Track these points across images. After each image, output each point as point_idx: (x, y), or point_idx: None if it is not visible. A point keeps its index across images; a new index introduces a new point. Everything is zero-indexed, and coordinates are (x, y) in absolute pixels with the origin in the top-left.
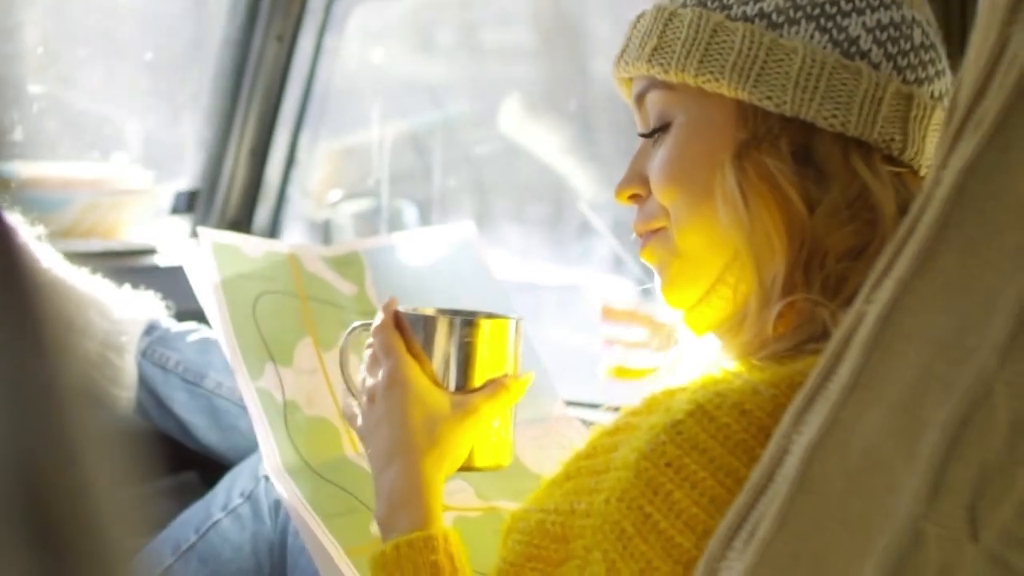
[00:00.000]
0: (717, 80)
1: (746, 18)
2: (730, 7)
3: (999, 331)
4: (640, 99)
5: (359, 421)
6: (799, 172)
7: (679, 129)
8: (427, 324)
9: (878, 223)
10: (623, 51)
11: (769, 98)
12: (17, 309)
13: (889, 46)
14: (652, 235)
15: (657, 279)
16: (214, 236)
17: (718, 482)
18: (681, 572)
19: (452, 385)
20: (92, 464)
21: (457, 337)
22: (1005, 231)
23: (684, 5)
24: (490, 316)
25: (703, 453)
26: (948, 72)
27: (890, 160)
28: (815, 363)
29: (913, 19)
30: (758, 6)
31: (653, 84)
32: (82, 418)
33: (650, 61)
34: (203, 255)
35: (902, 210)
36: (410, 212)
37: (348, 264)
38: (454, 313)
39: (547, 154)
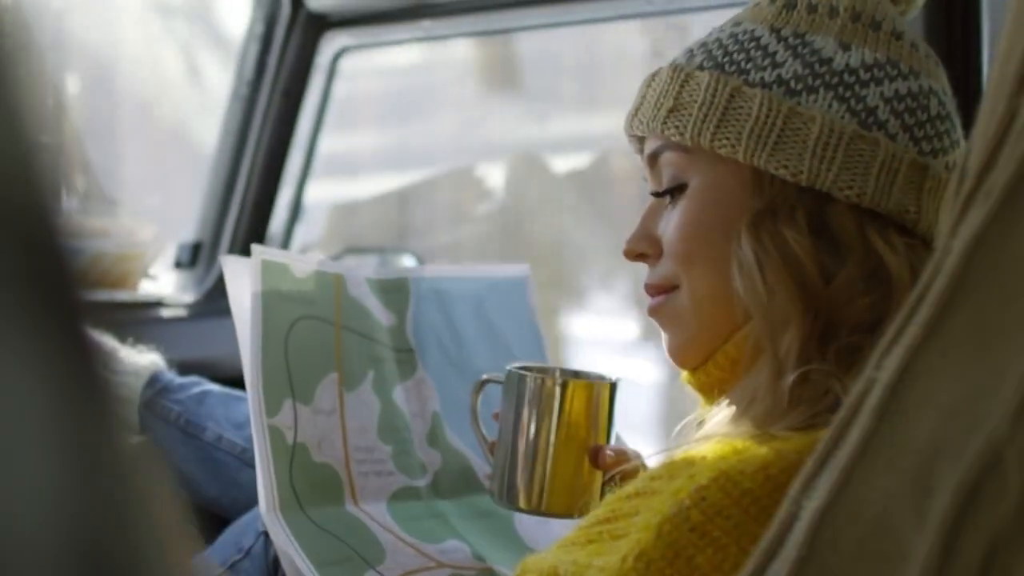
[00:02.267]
0: (733, 147)
1: (764, 84)
2: (748, 72)
3: (1010, 398)
4: (654, 158)
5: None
6: (815, 244)
7: (694, 194)
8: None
9: (893, 296)
10: (637, 109)
11: (785, 167)
12: (80, 368)
13: (906, 117)
14: (663, 297)
15: (665, 338)
16: (264, 253)
17: (741, 549)
18: None
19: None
20: (147, 533)
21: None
22: (1016, 299)
23: (701, 68)
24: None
25: (727, 520)
26: (962, 142)
27: (903, 231)
28: None
29: (930, 89)
30: (776, 72)
31: (668, 146)
32: (138, 485)
33: (665, 123)
34: (251, 272)
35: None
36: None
37: (394, 291)
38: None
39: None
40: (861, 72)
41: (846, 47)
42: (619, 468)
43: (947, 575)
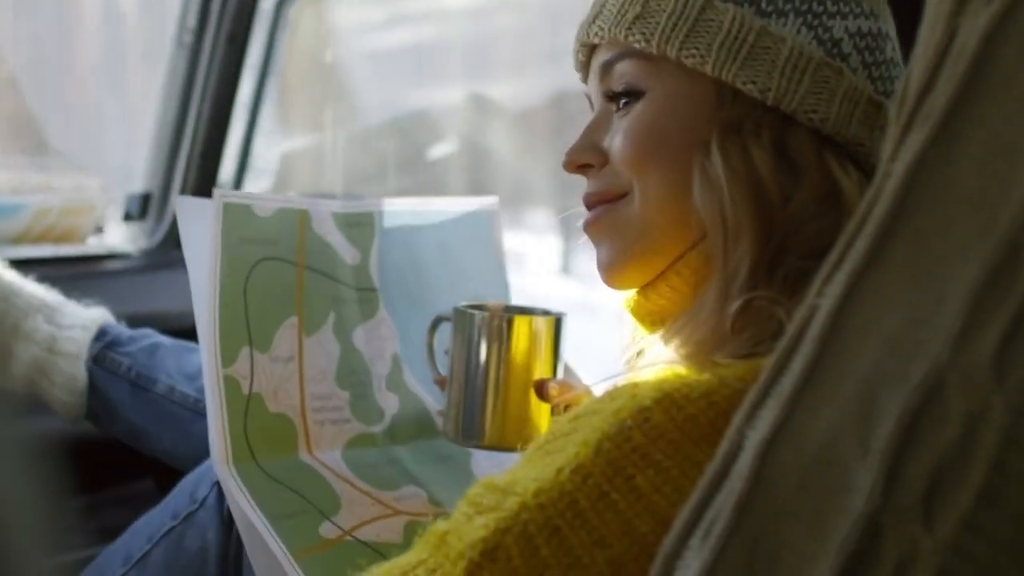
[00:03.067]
0: (702, 58)
1: (735, 1)
2: None
3: (951, 323)
4: (608, 66)
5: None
6: (776, 164)
7: (654, 101)
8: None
9: (843, 223)
10: (596, 15)
11: (754, 83)
12: None
13: (866, 55)
14: (607, 206)
15: (601, 257)
16: (227, 196)
17: (682, 472)
18: (636, 553)
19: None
20: (3, 477)
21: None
22: (955, 224)
23: None
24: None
25: (670, 443)
26: None
27: (855, 164)
28: None
29: (887, 33)
30: None
31: (628, 53)
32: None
33: (631, 29)
34: (212, 217)
35: None
36: None
37: (359, 225)
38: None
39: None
40: (828, 3)
41: None
42: (564, 399)
43: (891, 504)
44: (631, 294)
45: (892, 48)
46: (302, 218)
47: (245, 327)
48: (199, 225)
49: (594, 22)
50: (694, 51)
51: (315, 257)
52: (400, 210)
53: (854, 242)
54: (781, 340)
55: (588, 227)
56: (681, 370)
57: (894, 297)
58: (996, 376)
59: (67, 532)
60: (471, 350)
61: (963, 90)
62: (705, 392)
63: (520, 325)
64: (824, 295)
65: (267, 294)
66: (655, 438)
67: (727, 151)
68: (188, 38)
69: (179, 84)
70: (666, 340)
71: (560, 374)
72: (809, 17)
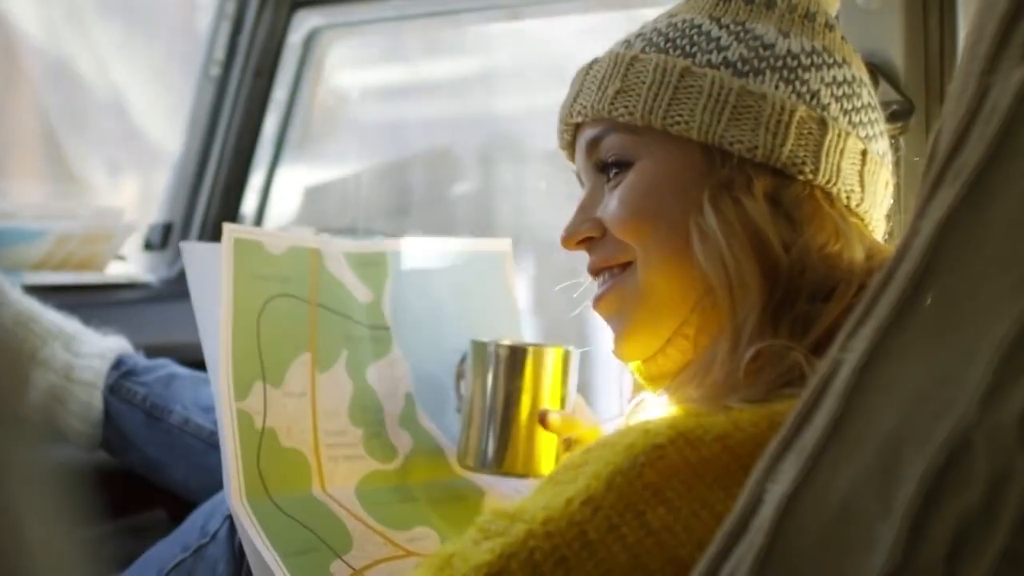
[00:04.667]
0: (687, 124)
1: (712, 65)
2: (694, 55)
3: (978, 383)
4: (595, 143)
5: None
6: (773, 213)
7: (644, 169)
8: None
9: (844, 267)
10: (575, 97)
11: (740, 142)
12: None
13: (844, 102)
14: (614, 277)
15: (612, 331)
16: (237, 231)
17: (694, 513)
18: None
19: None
20: (23, 505)
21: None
22: (984, 283)
23: (644, 51)
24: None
25: (683, 483)
26: (886, 136)
27: (849, 210)
28: (792, 407)
29: (861, 79)
30: (722, 55)
31: (614, 128)
32: (11, 457)
33: (613, 104)
34: (224, 252)
35: (867, 256)
36: None
37: (371, 265)
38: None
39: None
40: (803, 57)
41: (785, 34)
42: (566, 431)
43: (913, 564)
44: (640, 362)
45: (868, 94)
46: (314, 256)
47: (258, 361)
48: (206, 270)
49: (575, 101)
50: (678, 118)
51: (328, 295)
52: (413, 250)
53: (879, 298)
54: (801, 390)
55: (596, 305)
56: (694, 410)
57: (920, 354)
58: (1022, 437)
59: (81, 560)
60: (483, 379)
61: (995, 149)
62: (720, 435)
63: (529, 356)
64: (849, 350)
65: (280, 330)
66: (668, 476)
67: (719, 206)
68: (215, 70)
69: (204, 116)
70: (677, 388)
71: (570, 406)
72: (785, 72)
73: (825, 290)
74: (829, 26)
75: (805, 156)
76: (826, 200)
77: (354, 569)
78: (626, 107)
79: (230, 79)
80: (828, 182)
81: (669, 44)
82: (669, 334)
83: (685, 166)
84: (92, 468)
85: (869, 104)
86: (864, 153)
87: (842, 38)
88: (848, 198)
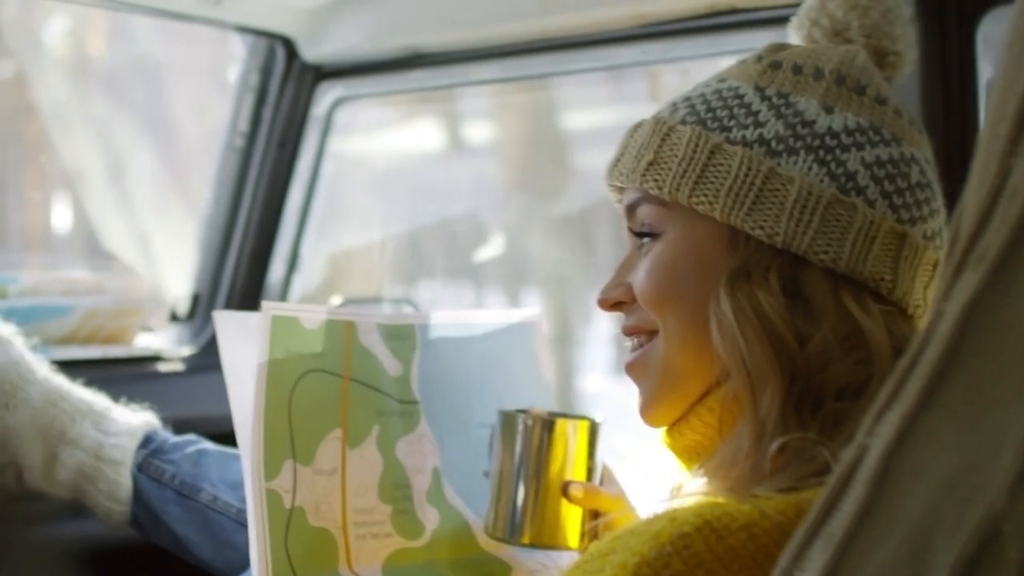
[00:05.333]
0: (711, 204)
1: (745, 143)
2: (730, 129)
3: (1007, 470)
4: (632, 209)
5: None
6: (788, 306)
7: (669, 243)
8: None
9: (873, 361)
10: (618, 159)
11: (762, 228)
12: None
13: (886, 183)
14: (642, 344)
15: (639, 395)
16: (276, 308)
17: None
18: None
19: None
20: None
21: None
22: (1011, 368)
23: (684, 122)
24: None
25: (708, 573)
26: (943, 211)
27: (878, 298)
28: (819, 494)
29: (912, 157)
30: (758, 132)
31: (646, 198)
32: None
33: (644, 175)
34: (261, 330)
35: (896, 349)
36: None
37: (401, 337)
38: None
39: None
40: (843, 136)
41: (829, 110)
42: (590, 503)
43: None
44: (665, 430)
45: (920, 171)
46: (348, 329)
47: (289, 440)
48: (237, 338)
49: (616, 165)
50: (703, 197)
51: (361, 369)
52: (442, 323)
53: (905, 383)
54: (828, 478)
55: (627, 369)
56: (720, 498)
57: (948, 440)
58: None
59: None
60: (511, 450)
61: (1018, 231)
62: (746, 524)
63: (553, 427)
64: (875, 435)
65: (312, 406)
66: (694, 566)
67: (735, 296)
68: (239, 141)
69: (229, 186)
70: (705, 475)
71: (597, 478)
72: (821, 152)
73: (855, 384)
74: (881, 100)
75: (828, 243)
76: (849, 288)
77: None
78: (656, 180)
79: (254, 150)
80: (852, 270)
81: (709, 114)
82: (688, 406)
83: (709, 244)
84: (120, 545)
85: (919, 183)
86: (903, 237)
87: (895, 112)
88: (877, 285)
